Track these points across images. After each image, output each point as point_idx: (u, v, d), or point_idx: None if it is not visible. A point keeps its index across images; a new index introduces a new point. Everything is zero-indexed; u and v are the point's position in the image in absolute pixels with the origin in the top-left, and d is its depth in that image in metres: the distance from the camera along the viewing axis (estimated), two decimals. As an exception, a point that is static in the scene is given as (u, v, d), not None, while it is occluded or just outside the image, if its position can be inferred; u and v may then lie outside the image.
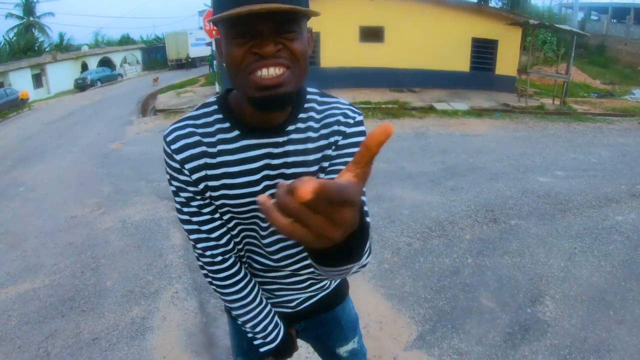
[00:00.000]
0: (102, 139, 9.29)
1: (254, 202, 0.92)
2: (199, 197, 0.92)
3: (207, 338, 2.71)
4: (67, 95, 22.45)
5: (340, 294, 1.31)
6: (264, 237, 1.00)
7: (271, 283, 1.10)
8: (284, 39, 0.77)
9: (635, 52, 26.13)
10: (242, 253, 1.05)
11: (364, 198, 0.84)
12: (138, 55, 37.53)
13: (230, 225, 0.98)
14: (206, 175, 0.90)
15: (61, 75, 26.99)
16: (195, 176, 0.90)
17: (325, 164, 0.93)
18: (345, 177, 0.46)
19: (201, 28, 35.97)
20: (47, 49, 31.33)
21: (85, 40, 39.28)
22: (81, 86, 24.83)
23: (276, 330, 1.09)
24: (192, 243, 0.99)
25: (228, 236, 0.98)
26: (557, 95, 12.24)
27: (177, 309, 3.03)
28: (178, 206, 0.95)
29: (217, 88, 13.24)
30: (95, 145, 8.77)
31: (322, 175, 0.94)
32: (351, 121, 0.94)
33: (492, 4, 31.67)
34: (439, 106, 11.29)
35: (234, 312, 1.06)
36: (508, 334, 2.62)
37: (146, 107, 14.27)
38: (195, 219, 0.94)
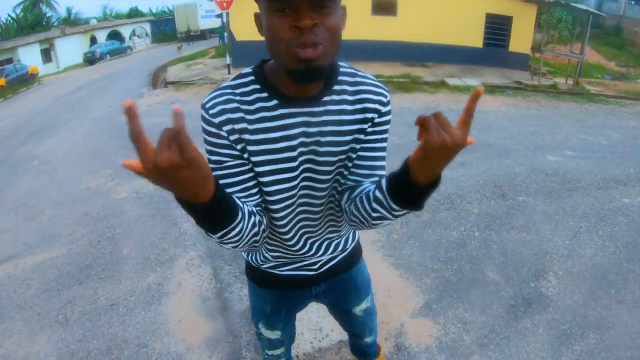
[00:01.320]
0: (114, 112, 9.37)
1: (289, 167, 0.98)
2: (232, 159, 0.96)
3: (221, 302, 2.83)
4: (77, 69, 22.47)
5: (356, 255, 1.40)
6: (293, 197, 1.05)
7: (298, 240, 1.16)
8: (319, 14, 0.82)
9: None
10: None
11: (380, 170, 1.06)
12: (147, 27, 37.25)
13: (270, 187, 1.01)
14: (245, 139, 0.95)
15: (70, 49, 27.00)
16: (233, 137, 0.94)
17: (361, 136, 1.00)
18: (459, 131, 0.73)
19: (211, 0, 35.53)
20: (55, 24, 31.22)
21: (94, 14, 38.92)
22: (90, 60, 24.84)
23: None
24: None
25: (257, 197, 1.01)
26: (570, 75, 12.02)
27: (191, 275, 3.15)
28: (212, 165, 0.97)
29: (227, 60, 13.15)
30: (107, 118, 8.86)
31: (356, 146, 1.01)
32: (384, 100, 1.01)
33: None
34: (451, 81, 11.18)
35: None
36: (511, 306, 2.71)
37: (156, 80, 14.27)
38: (226, 180, 0.97)
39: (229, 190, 0.93)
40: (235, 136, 0.94)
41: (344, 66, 1.02)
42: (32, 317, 2.84)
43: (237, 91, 0.96)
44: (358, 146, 1.01)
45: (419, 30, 13.82)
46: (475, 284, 2.92)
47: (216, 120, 0.93)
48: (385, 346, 2.38)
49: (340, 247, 1.27)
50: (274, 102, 0.95)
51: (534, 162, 5.31)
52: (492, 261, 3.17)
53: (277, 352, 1.57)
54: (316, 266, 1.26)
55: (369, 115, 0.99)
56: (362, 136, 1.01)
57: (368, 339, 1.71)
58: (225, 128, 0.93)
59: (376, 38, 13.48)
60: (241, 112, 0.94)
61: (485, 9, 14.07)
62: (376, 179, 1.02)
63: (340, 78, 0.99)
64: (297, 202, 1.06)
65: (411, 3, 13.74)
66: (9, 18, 31.35)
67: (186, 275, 3.16)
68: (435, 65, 13.64)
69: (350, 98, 0.99)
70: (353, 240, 1.34)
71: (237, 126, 0.94)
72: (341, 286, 1.41)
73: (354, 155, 1.02)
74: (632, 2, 30.13)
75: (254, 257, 1.27)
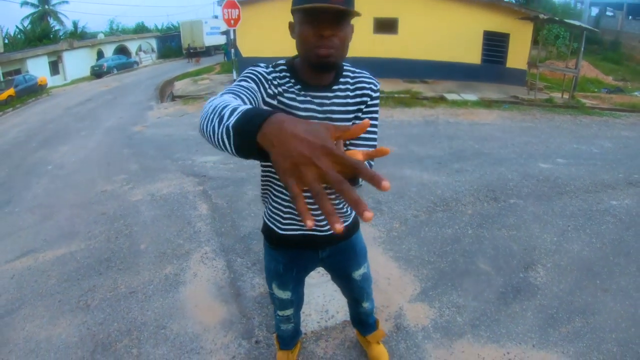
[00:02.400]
0: (124, 123, 9.69)
1: None
2: (250, 90, 1.16)
3: (234, 290, 3.06)
4: (84, 82, 22.89)
5: (356, 225, 1.72)
6: None
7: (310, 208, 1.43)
8: (335, 29, 1.18)
9: None
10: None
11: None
12: (153, 43, 37.88)
13: None
14: (279, 96, 1.29)
15: (77, 62, 27.50)
16: (272, 84, 1.28)
17: (359, 114, 1.39)
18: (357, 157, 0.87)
19: (216, 17, 36.21)
20: (62, 37, 31.85)
21: (100, 29, 39.78)
22: (97, 73, 25.32)
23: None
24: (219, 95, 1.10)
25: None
26: (566, 89, 12.38)
27: (206, 267, 3.40)
28: (233, 84, 1.18)
29: (234, 75, 13.54)
30: (118, 128, 9.17)
31: (357, 122, 1.31)
32: (375, 88, 1.40)
33: (507, -2, 31.61)
34: (450, 96, 11.53)
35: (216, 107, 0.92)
36: (501, 293, 2.94)
37: (163, 94, 14.64)
38: (240, 93, 1.12)
39: (238, 94, 1.11)
40: (273, 89, 1.28)
41: (347, 65, 1.41)
42: (53, 304, 3.05)
43: (273, 72, 1.32)
44: (358, 122, 1.32)
45: (419, 48, 14.29)
46: (468, 274, 3.16)
47: (268, 70, 1.30)
48: (385, 326, 2.60)
49: (343, 212, 1.58)
50: (299, 86, 1.32)
51: (526, 169, 5.58)
52: (483, 254, 3.42)
53: (287, 312, 1.90)
54: (325, 228, 1.54)
55: (365, 99, 1.38)
56: (360, 114, 1.39)
57: (366, 304, 1.99)
58: (270, 77, 1.28)
59: (378, 55, 13.90)
60: (280, 85, 1.30)
61: (483, 26, 14.54)
62: (370, 149, 1.28)
63: (344, 73, 1.37)
64: None
65: (411, 22, 14.23)
66: (17, 30, 32.04)
67: (201, 267, 3.40)
68: (435, 81, 14.04)
69: (351, 87, 1.37)
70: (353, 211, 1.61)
71: (281, 84, 1.30)
72: (343, 252, 1.70)
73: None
74: (630, 17, 30.73)
75: (271, 222, 1.58)
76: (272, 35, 13.26)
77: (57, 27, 34.83)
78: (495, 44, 14.75)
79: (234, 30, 13.35)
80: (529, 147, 6.79)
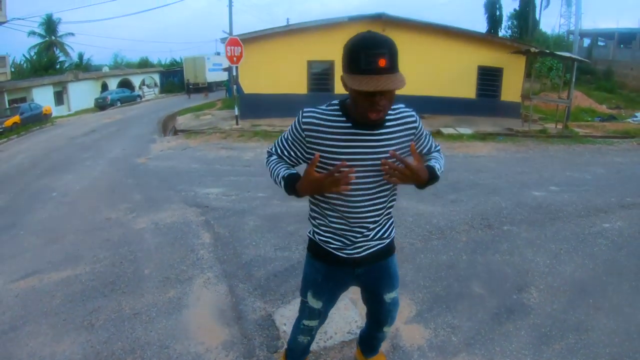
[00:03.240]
0: (128, 154, 9.93)
1: (358, 164, 1.55)
2: (294, 146, 1.63)
3: (236, 313, 3.14)
4: (88, 113, 23.43)
5: (392, 248, 1.87)
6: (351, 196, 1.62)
7: (349, 231, 1.68)
8: (386, 98, 1.39)
9: None
10: (329, 205, 1.68)
11: (435, 147, 1.81)
12: (156, 78, 38.87)
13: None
14: (317, 141, 1.55)
15: (82, 93, 28.25)
16: (305, 135, 1.56)
17: (405, 147, 1.61)
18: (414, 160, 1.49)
19: (218, 54, 37.28)
20: (67, 68, 32.71)
21: (105, 61, 40.94)
22: (101, 105, 25.94)
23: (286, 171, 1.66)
24: (267, 153, 1.76)
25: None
26: (559, 119, 12.73)
27: (209, 291, 3.48)
28: (278, 139, 1.71)
29: (235, 111, 13.93)
30: (122, 160, 9.39)
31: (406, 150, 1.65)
32: (414, 119, 1.66)
33: (502, 32, 32.78)
34: (446, 131, 11.85)
35: (271, 169, 1.69)
36: (495, 314, 3.03)
37: (166, 128, 14.98)
38: (281, 146, 1.69)
39: (280, 152, 1.69)
40: (307, 132, 1.56)
41: None
42: (57, 322, 3.12)
43: (324, 113, 1.56)
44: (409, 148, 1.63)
45: (416, 85, 14.69)
46: (462, 296, 3.26)
47: (303, 121, 1.56)
48: (382, 346, 2.68)
49: (379, 236, 1.74)
50: (349, 124, 1.52)
51: (520, 197, 5.74)
52: (477, 278, 3.52)
53: (313, 323, 1.99)
54: (361, 250, 1.72)
55: (410, 132, 1.64)
56: (405, 146, 1.62)
57: (387, 329, 2.10)
58: (304, 126, 1.56)
59: None
60: (320, 126, 1.54)
61: (477, 62, 15.09)
62: (435, 154, 1.78)
63: (389, 113, 1.58)
64: (359, 196, 1.64)
65: (409, 59, 14.61)
66: (24, 59, 32.94)
67: (204, 291, 3.49)
68: (432, 116, 14.42)
69: (395, 123, 1.60)
70: (390, 234, 1.79)
71: (313, 129, 1.55)
72: (378, 271, 1.84)
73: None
74: (621, 46, 31.63)
75: (314, 236, 1.79)
76: (272, 73, 13.76)
77: (62, 59, 35.82)
78: (489, 78, 15.26)
79: (237, 68, 13.80)
80: (523, 176, 6.98)
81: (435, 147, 1.81)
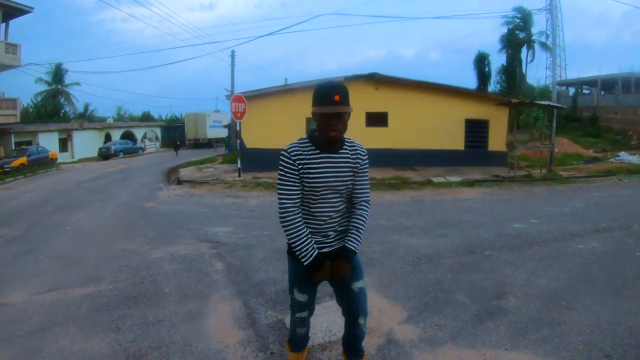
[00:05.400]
0: (136, 199, 10.46)
1: (323, 183, 2.18)
2: (293, 177, 2.14)
3: (251, 320, 3.55)
4: (91, 162, 24.08)
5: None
6: (320, 204, 2.24)
7: (322, 229, 2.29)
8: (340, 120, 2.06)
9: (625, 119, 27.78)
10: (308, 209, 2.25)
11: (364, 192, 2.30)
12: (158, 132, 40.00)
13: (307, 195, 2.22)
14: (304, 165, 2.13)
15: (86, 142, 29.20)
16: (297, 163, 2.14)
17: (355, 169, 2.25)
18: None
19: (218, 111, 38.79)
20: (71, 117, 33.75)
21: (108, 113, 42.36)
22: (105, 155, 26.76)
23: (312, 251, 2.19)
24: (279, 200, 2.17)
25: (298, 200, 2.19)
26: (544, 165, 13.53)
27: (225, 305, 3.89)
28: (279, 180, 2.18)
29: (239, 164, 14.58)
30: (132, 203, 9.91)
31: (352, 176, 2.27)
32: (363, 153, 2.28)
33: (491, 87, 34.50)
34: (436, 179, 12.58)
35: (291, 238, 2.18)
36: (476, 315, 3.48)
37: (169, 179, 15.54)
38: (285, 186, 2.17)
39: (288, 189, 2.17)
40: (299, 162, 2.15)
41: (347, 139, 2.27)
42: (85, 326, 3.48)
43: (301, 144, 2.19)
44: (353, 175, 2.26)
45: (407, 139, 15.79)
46: (447, 304, 3.72)
47: (292, 154, 2.15)
48: (378, 341, 3.11)
49: (343, 235, 2.35)
50: (318, 151, 2.17)
51: (501, 229, 6.31)
52: (461, 291, 4.00)
53: (303, 314, 2.50)
54: (331, 245, 2.33)
55: (358, 160, 2.25)
56: (355, 169, 2.25)
57: (361, 320, 2.43)
58: (294, 158, 2.15)
59: (370, 146, 14.81)
60: (303, 154, 2.16)
61: (464, 115, 16.22)
62: (365, 194, 2.30)
63: (345, 143, 2.24)
64: (326, 205, 2.25)
65: (400, 115, 15.92)
66: (31, 104, 33.96)
67: (220, 305, 3.90)
68: (423, 168, 15.27)
69: (350, 152, 2.24)
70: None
71: (301, 158, 2.15)
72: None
73: (351, 179, 2.25)
74: (604, 92, 33.22)
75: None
76: (272, 129, 14.59)
77: (66, 108, 36.93)
78: (476, 130, 16.31)
79: (240, 123, 14.59)
80: (506, 213, 7.58)
81: (365, 192, 2.30)
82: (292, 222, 2.15)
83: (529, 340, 3.07)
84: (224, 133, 35.85)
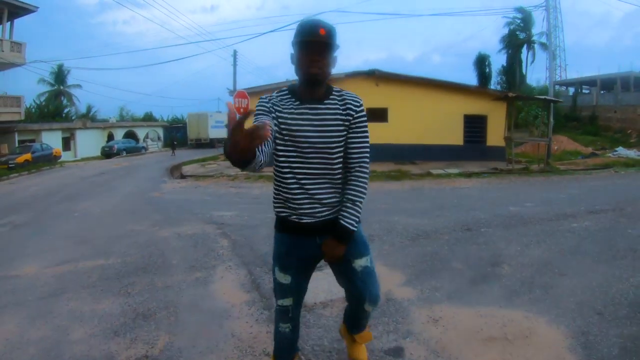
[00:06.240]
0: (142, 190, 10.65)
1: (305, 140, 1.73)
2: (267, 116, 1.70)
3: (255, 284, 3.71)
4: (94, 160, 24.28)
5: None
6: (304, 169, 1.77)
7: (303, 194, 1.78)
8: (323, 57, 1.66)
9: (624, 118, 27.94)
10: (288, 163, 1.76)
11: (362, 157, 1.80)
12: (160, 132, 40.19)
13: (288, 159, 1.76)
14: (280, 117, 1.73)
15: (88, 141, 29.40)
16: (273, 109, 1.74)
17: (347, 123, 1.76)
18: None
19: (220, 112, 38.92)
20: (73, 117, 33.91)
21: (110, 114, 42.42)
22: (107, 154, 26.99)
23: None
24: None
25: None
26: (542, 159, 13.70)
27: (230, 273, 4.06)
28: (257, 117, 1.70)
29: (243, 162, 14.66)
30: (137, 193, 10.11)
31: (344, 132, 1.77)
32: (357, 104, 1.79)
33: (492, 87, 34.62)
34: (435, 172, 12.79)
35: None
36: (471, 279, 3.64)
37: (173, 174, 15.69)
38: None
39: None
40: (275, 112, 1.75)
41: (336, 88, 1.82)
42: (95, 292, 3.65)
43: (279, 94, 1.80)
44: (345, 132, 1.77)
45: (407, 134, 15.95)
46: (444, 270, 3.89)
47: (267, 99, 1.77)
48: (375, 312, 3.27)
49: (334, 203, 1.83)
50: (298, 102, 1.75)
51: (497, 211, 6.48)
52: (457, 259, 4.17)
53: (287, 302, 1.91)
54: (318, 215, 1.81)
55: (350, 112, 1.77)
56: (346, 123, 1.76)
57: (368, 307, 1.94)
58: (269, 105, 1.75)
59: (371, 142, 15.21)
60: (278, 104, 1.76)
61: (463, 111, 16.39)
62: (361, 157, 1.82)
63: (333, 93, 1.79)
64: (311, 169, 1.77)
65: (400, 111, 16.09)
66: (33, 103, 34.20)
67: (226, 273, 4.06)
68: (422, 162, 15.45)
69: (339, 102, 1.77)
70: None
71: (276, 107, 1.75)
72: None
73: (341, 137, 1.77)
74: (603, 91, 33.38)
75: (280, 210, 1.87)
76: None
77: (69, 109, 37.10)
78: (475, 125, 16.48)
79: (243, 119, 14.70)
80: (502, 199, 7.77)
81: (361, 154, 1.82)
82: None
83: (522, 300, 3.22)
84: (225, 133, 35.89)
